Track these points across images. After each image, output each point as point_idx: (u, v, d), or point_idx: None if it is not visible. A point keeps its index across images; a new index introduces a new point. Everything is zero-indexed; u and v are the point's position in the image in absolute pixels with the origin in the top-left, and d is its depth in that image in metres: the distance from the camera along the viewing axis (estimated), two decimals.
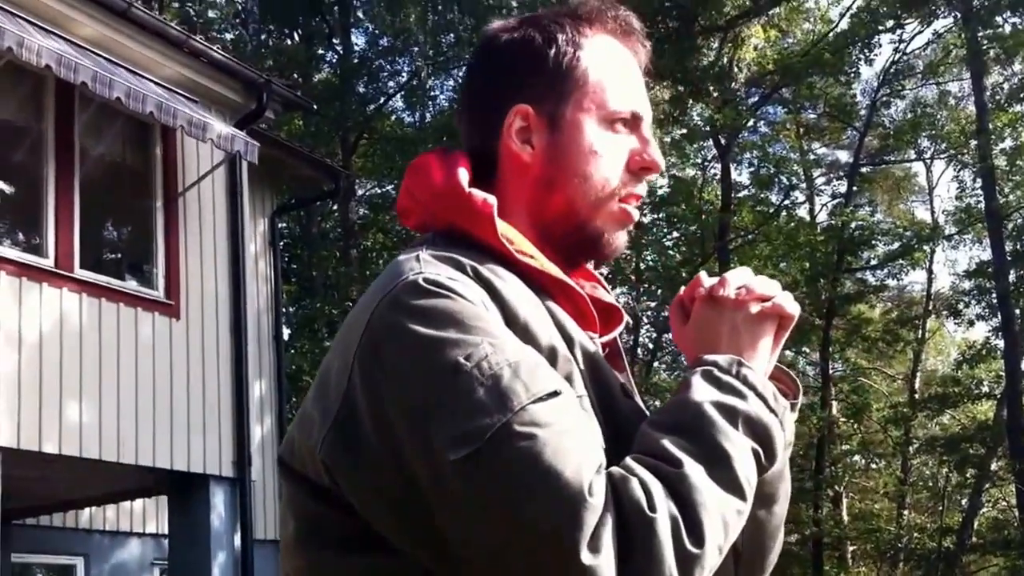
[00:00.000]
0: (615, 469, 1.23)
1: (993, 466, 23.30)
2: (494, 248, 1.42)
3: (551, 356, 1.33)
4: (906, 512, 26.11)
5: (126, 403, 9.26)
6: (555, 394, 1.25)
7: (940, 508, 26.03)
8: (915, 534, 25.61)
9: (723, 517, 1.24)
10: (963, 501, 25.56)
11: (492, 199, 1.44)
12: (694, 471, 1.23)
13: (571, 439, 1.21)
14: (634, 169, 1.52)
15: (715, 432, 1.28)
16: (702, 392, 1.33)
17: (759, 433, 1.32)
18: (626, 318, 1.63)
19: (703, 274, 1.48)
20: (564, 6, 1.60)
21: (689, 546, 1.19)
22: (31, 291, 8.76)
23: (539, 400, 1.22)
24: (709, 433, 1.28)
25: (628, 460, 1.25)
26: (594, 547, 1.16)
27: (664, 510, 1.19)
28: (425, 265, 1.35)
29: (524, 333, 1.33)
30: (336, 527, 1.32)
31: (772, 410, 1.35)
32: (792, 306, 1.45)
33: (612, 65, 1.53)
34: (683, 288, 1.51)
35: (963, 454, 23.24)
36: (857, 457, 26.91)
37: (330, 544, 1.33)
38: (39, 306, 8.79)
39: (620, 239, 1.54)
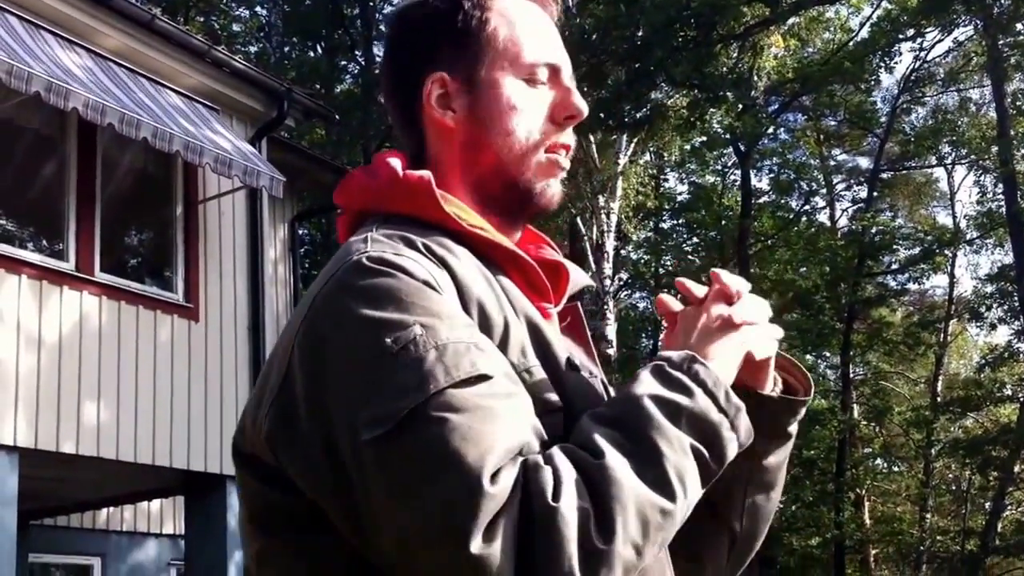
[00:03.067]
0: (532, 457, 1.20)
1: (1016, 468, 23.17)
2: (444, 223, 1.42)
3: (504, 330, 1.34)
4: (929, 515, 25.97)
5: (144, 404, 9.39)
6: (481, 378, 1.22)
7: (963, 511, 25.95)
8: (938, 537, 25.56)
9: (642, 514, 1.18)
10: (986, 504, 25.44)
11: (427, 174, 1.44)
12: (616, 464, 1.19)
13: (486, 425, 1.18)
14: (558, 119, 1.52)
15: (649, 427, 1.24)
16: (645, 386, 1.29)
17: (704, 431, 1.27)
18: (578, 277, 1.61)
19: (692, 284, 1.48)
20: None
21: (596, 541, 1.15)
22: (52, 294, 8.91)
23: (459, 384, 1.20)
24: (642, 427, 1.24)
25: (552, 449, 1.22)
26: (489, 536, 1.13)
27: (571, 501, 1.16)
28: (372, 244, 1.34)
29: (479, 309, 1.33)
30: (285, 508, 1.31)
31: (722, 410, 1.30)
32: (764, 341, 1.45)
33: (522, 21, 1.53)
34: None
35: (986, 456, 23.10)
36: (879, 460, 26.88)
37: (280, 526, 1.32)
38: (59, 309, 8.93)
39: (553, 188, 1.53)
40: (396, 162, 1.48)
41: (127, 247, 11.41)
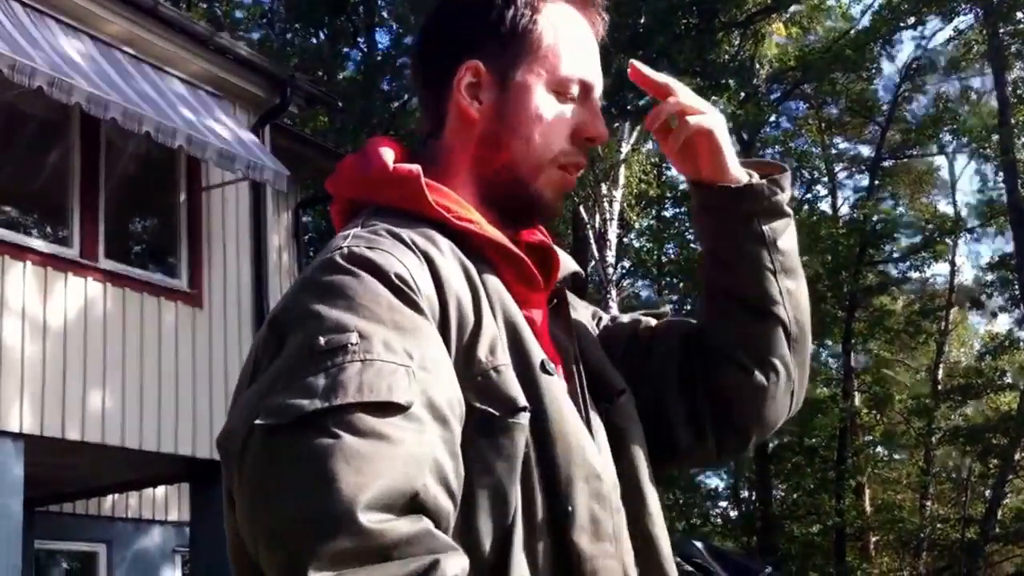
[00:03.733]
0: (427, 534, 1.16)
1: (1016, 456, 23.20)
2: (432, 217, 1.42)
3: (476, 327, 1.34)
4: (929, 503, 26.00)
5: (149, 391, 9.42)
6: (393, 406, 1.19)
7: (963, 499, 25.97)
8: (938, 525, 25.61)
9: None
10: (986, 492, 25.48)
11: (416, 167, 1.44)
12: None
13: (376, 456, 1.15)
14: (578, 138, 1.52)
15: None
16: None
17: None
18: (566, 262, 1.61)
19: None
20: None
21: None
22: (56, 281, 8.93)
23: (367, 406, 1.17)
24: None
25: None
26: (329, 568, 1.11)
27: None
28: (353, 240, 1.34)
29: (456, 304, 1.33)
30: None
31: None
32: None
33: (567, 33, 1.53)
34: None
35: (986, 444, 23.18)
36: (880, 448, 26.91)
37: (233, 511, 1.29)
38: (64, 295, 8.96)
39: (557, 203, 1.55)
40: (388, 153, 1.48)
41: (131, 234, 11.44)
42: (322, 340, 1.21)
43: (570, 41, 1.53)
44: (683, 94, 1.56)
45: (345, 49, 26.83)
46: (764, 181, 1.59)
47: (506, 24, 1.51)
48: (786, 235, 1.61)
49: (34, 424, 8.50)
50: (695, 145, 1.57)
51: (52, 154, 9.59)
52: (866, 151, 28.28)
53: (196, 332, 10.01)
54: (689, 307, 27.40)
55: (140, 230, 11.82)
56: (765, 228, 1.58)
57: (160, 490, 12.58)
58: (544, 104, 1.50)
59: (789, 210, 1.61)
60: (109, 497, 12.28)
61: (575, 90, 1.52)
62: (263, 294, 10.72)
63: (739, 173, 1.59)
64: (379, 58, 25.62)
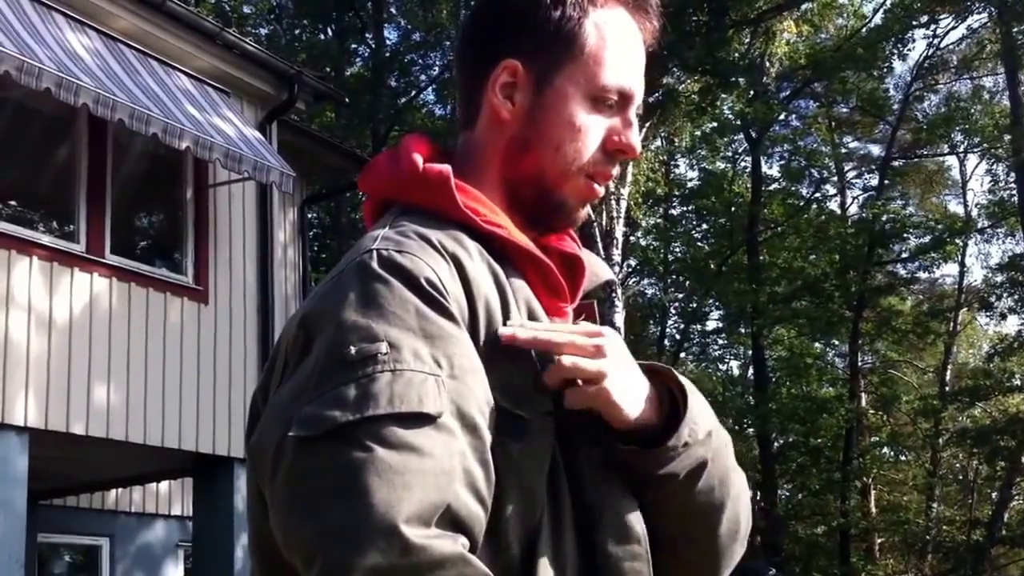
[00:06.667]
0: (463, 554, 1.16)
1: None
2: (460, 219, 1.40)
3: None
4: (935, 504, 25.98)
5: (153, 386, 9.42)
6: (423, 417, 1.19)
7: (970, 501, 25.97)
8: (944, 527, 25.59)
9: None
10: (993, 494, 25.45)
11: (447, 168, 1.42)
12: None
13: (409, 473, 1.16)
14: (610, 150, 1.49)
15: None
16: None
17: None
18: (600, 271, 1.59)
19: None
20: None
21: None
22: (62, 276, 8.94)
23: (398, 417, 1.18)
24: None
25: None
26: None
27: None
28: (383, 242, 1.33)
29: (485, 307, 1.32)
30: None
31: None
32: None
33: (613, 40, 1.49)
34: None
35: (994, 447, 23.11)
36: (886, 449, 26.85)
37: (263, 510, 1.30)
38: (70, 290, 8.96)
39: (582, 212, 1.52)
40: (420, 152, 1.47)
41: (137, 229, 11.45)
42: (352, 349, 1.21)
43: (615, 48, 1.49)
44: (579, 352, 1.37)
45: (353, 45, 26.85)
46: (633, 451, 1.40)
47: (551, 26, 1.47)
48: (682, 488, 1.42)
49: (39, 418, 8.51)
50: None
51: (59, 149, 9.59)
52: (876, 150, 28.27)
53: (201, 328, 10.01)
54: (694, 305, 27.40)
55: (146, 226, 11.83)
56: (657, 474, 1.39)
57: (164, 484, 12.60)
58: (578, 112, 1.47)
59: (685, 469, 1.40)
60: (113, 491, 12.31)
61: (613, 99, 1.49)
62: (268, 290, 10.73)
63: (639, 418, 1.39)
64: (387, 54, 25.63)
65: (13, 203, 9.56)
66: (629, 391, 1.38)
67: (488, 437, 1.25)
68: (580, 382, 1.35)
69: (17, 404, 8.38)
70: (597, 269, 1.58)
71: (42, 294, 8.74)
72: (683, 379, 1.46)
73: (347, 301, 1.26)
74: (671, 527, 1.43)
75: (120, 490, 12.32)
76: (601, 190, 1.52)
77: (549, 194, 1.48)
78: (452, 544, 1.15)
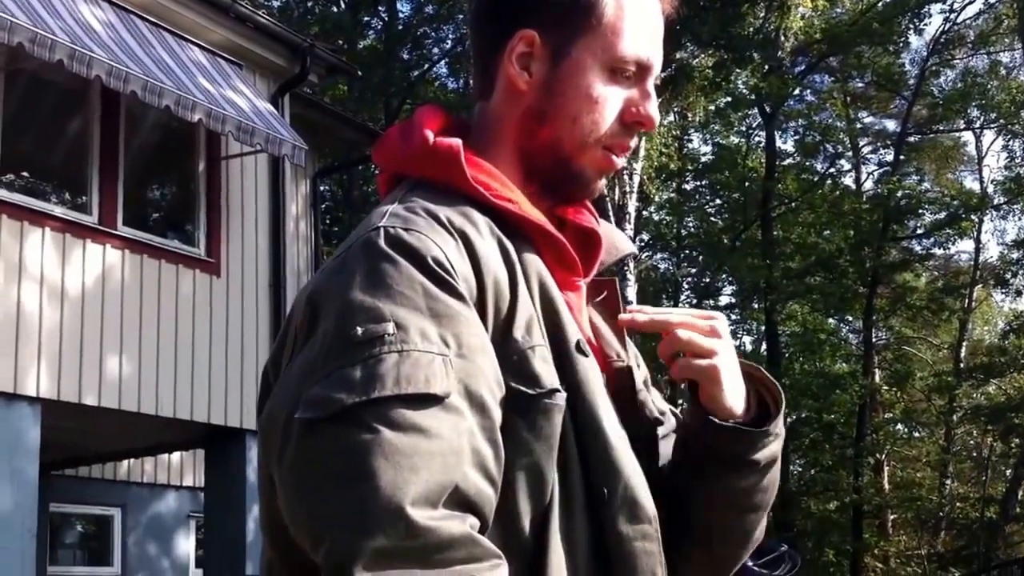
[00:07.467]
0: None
1: None
2: (471, 194, 1.39)
3: (512, 306, 1.32)
4: (948, 481, 25.98)
5: (165, 358, 9.46)
6: (433, 398, 1.19)
7: (983, 478, 25.96)
8: (957, 504, 25.59)
9: None
10: (1007, 471, 25.44)
11: (457, 142, 1.41)
12: None
13: (416, 455, 1.15)
14: (627, 121, 1.47)
15: None
16: None
17: None
18: (620, 244, 1.59)
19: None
20: None
21: None
22: (75, 247, 8.96)
23: (405, 398, 1.17)
24: None
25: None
26: (375, 571, 1.11)
27: None
28: (391, 219, 1.32)
29: (493, 283, 1.31)
30: None
31: None
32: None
33: (632, 10, 1.47)
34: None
35: (1008, 423, 23.08)
36: (900, 426, 26.83)
37: (273, 488, 1.29)
38: (82, 262, 8.99)
39: (599, 183, 1.51)
40: (431, 125, 1.45)
41: (150, 201, 11.46)
42: (359, 330, 1.20)
43: (633, 18, 1.47)
44: (694, 329, 1.46)
45: (366, 18, 26.76)
46: (739, 429, 1.46)
47: None
48: (749, 477, 1.49)
49: (51, 389, 8.55)
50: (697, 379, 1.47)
51: (72, 121, 9.60)
52: (891, 125, 28.13)
53: (213, 300, 10.04)
54: (708, 280, 27.37)
55: (159, 198, 11.84)
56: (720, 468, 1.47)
57: (175, 455, 12.67)
58: (595, 83, 1.45)
59: (762, 459, 1.48)
60: (125, 462, 12.38)
61: (631, 70, 1.46)
62: (280, 263, 10.75)
63: (734, 406, 1.46)
64: (400, 27, 25.54)
65: (26, 174, 9.56)
66: (733, 375, 1.45)
67: (498, 416, 1.24)
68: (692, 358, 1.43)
69: (30, 375, 8.42)
70: (617, 242, 1.58)
71: (54, 265, 8.76)
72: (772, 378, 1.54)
73: (354, 280, 1.25)
74: (717, 518, 1.49)
75: (132, 461, 12.40)
76: (619, 161, 1.50)
77: (566, 165, 1.47)
78: (460, 524, 1.15)
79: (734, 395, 1.45)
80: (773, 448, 1.48)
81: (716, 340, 1.44)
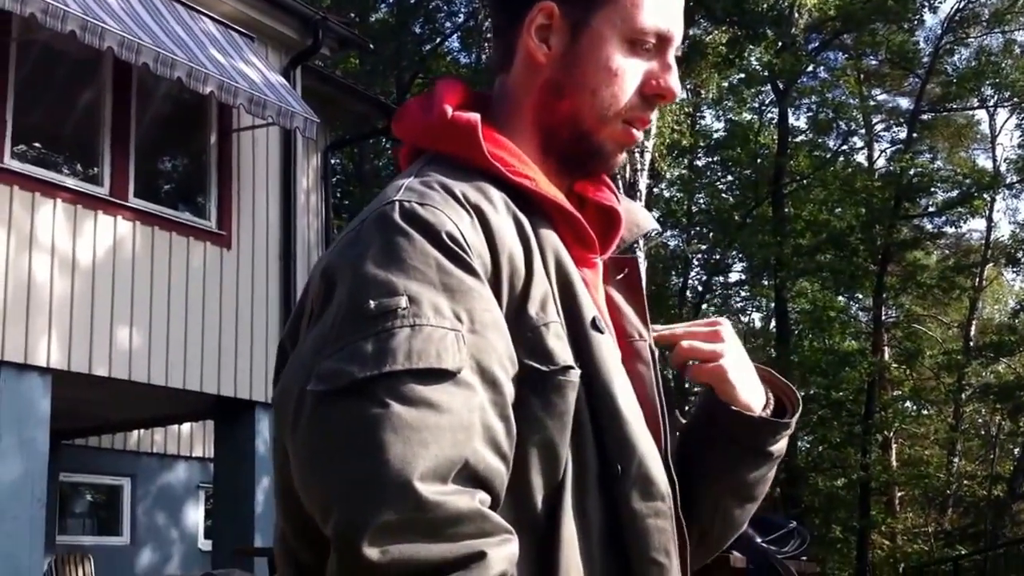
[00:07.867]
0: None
1: None
2: (488, 169, 1.39)
3: (528, 282, 1.32)
4: (956, 459, 25.95)
5: (176, 329, 9.50)
6: (444, 373, 1.19)
7: (991, 456, 25.93)
8: (965, 481, 25.57)
9: None
10: (1015, 450, 25.40)
11: (475, 117, 1.41)
12: None
13: (426, 429, 1.16)
14: (647, 94, 1.46)
15: None
16: None
17: None
18: (642, 221, 1.59)
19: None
20: None
21: None
22: (86, 219, 8.99)
23: (416, 373, 1.17)
24: None
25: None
26: (382, 545, 1.11)
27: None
28: (406, 193, 1.31)
29: (508, 259, 1.31)
30: None
31: None
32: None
33: None
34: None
35: (1017, 402, 23.06)
36: (908, 403, 26.78)
37: (287, 459, 1.29)
38: (93, 233, 9.02)
39: (618, 157, 1.50)
40: (450, 99, 1.45)
41: (161, 173, 11.48)
42: (372, 304, 1.21)
43: None
44: (696, 337, 1.52)
45: None
46: (760, 419, 1.52)
47: None
48: (760, 468, 1.54)
49: (62, 359, 8.60)
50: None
51: (84, 93, 9.62)
52: (905, 103, 27.97)
53: (224, 272, 10.06)
54: (718, 257, 27.31)
55: (170, 170, 11.86)
56: (737, 457, 1.52)
57: (185, 426, 12.73)
58: (615, 56, 1.44)
59: (775, 450, 1.54)
60: (135, 432, 12.44)
61: (651, 42, 1.45)
62: (291, 236, 10.77)
63: (751, 402, 1.51)
64: (412, 1, 25.44)
65: (38, 145, 9.59)
66: (743, 373, 1.51)
67: (510, 392, 1.25)
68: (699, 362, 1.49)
69: (40, 345, 8.46)
70: (638, 219, 1.58)
71: (66, 237, 8.79)
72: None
73: (368, 253, 1.25)
74: (720, 504, 1.54)
75: (142, 431, 12.46)
76: (639, 135, 1.49)
77: (586, 139, 1.46)
78: (469, 500, 1.15)
79: (749, 392, 1.50)
80: (783, 443, 1.54)
81: (719, 344, 1.49)
